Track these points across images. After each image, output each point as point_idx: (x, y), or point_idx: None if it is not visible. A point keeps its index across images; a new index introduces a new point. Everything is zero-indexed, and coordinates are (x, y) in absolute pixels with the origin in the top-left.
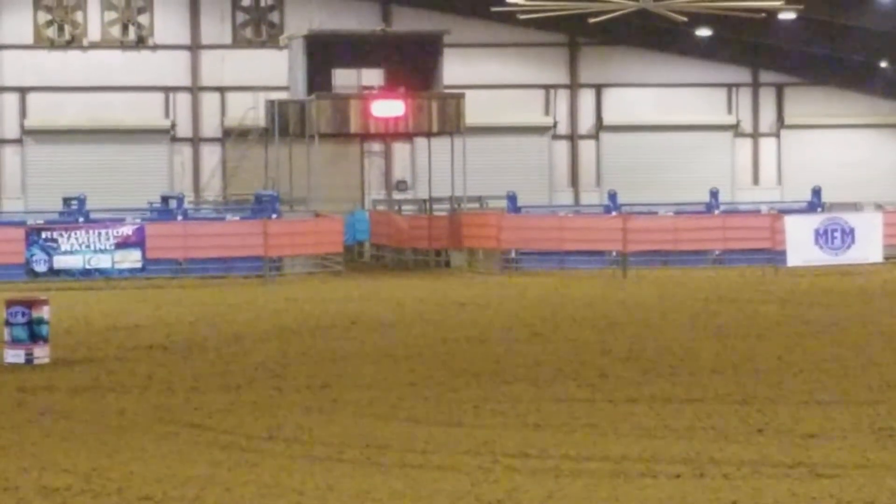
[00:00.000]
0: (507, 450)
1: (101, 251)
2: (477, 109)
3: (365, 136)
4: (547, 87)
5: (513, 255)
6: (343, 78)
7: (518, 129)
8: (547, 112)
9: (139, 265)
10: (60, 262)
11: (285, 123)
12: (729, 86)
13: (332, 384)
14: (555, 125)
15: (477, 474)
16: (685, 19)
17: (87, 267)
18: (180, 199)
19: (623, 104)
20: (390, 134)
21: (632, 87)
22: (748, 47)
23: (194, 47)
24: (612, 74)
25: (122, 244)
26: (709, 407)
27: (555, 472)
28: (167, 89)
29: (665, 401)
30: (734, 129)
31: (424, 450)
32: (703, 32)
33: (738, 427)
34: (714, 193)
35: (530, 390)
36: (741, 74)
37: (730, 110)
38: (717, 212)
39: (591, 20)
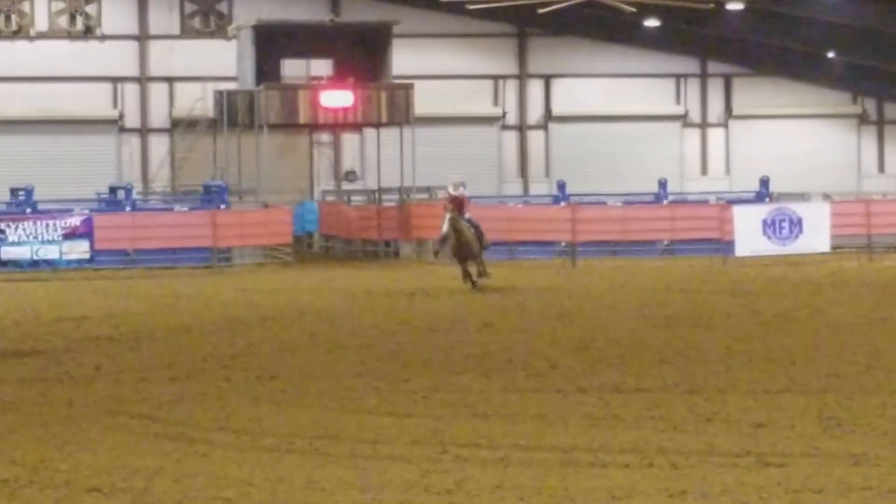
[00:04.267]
0: (456, 440)
1: (49, 242)
2: (426, 100)
3: (314, 127)
4: (496, 78)
5: None
6: (292, 68)
7: (467, 119)
8: (496, 102)
9: (87, 256)
10: (8, 252)
11: (234, 114)
12: (677, 76)
13: (281, 375)
14: (504, 115)
15: (426, 464)
16: (634, 10)
17: (35, 258)
18: (128, 190)
19: (572, 94)
20: (339, 124)
21: (581, 77)
22: (696, 38)
23: (142, 37)
24: (561, 65)
25: (70, 235)
26: (657, 396)
27: (504, 461)
28: (115, 79)
29: (614, 391)
30: (682, 119)
31: (374, 440)
32: (652, 23)
33: (686, 417)
34: (663, 184)
35: (480, 380)
36: (690, 65)
37: (678, 101)
38: (665, 202)
39: (540, 10)
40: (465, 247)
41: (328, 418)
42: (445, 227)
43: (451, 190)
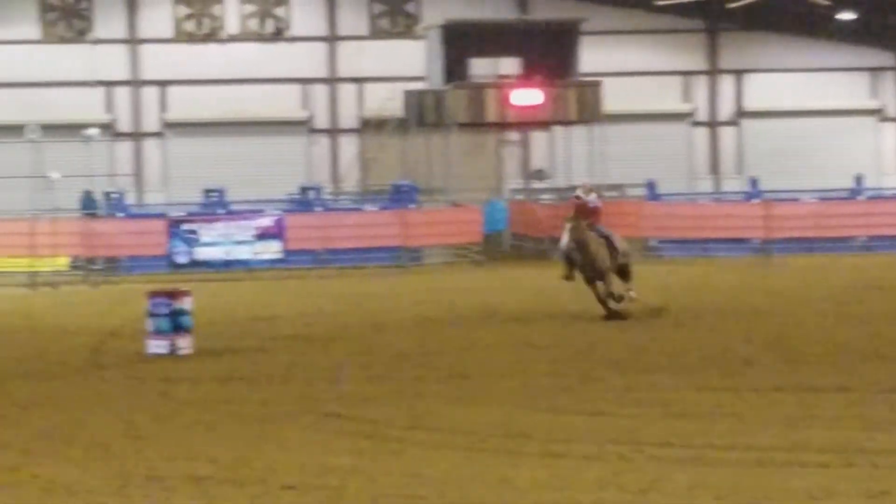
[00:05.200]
0: (650, 439)
1: (242, 242)
2: (615, 97)
3: (502, 126)
4: (686, 74)
5: (653, 243)
6: (480, 67)
7: (656, 116)
8: (686, 99)
9: (279, 256)
10: (201, 253)
11: (422, 113)
12: (873, 70)
13: (472, 374)
14: (694, 112)
15: (620, 463)
16: (828, 3)
17: (228, 258)
18: (319, 190)
19: (764, 90)
20: (528, 123)
21: (773, 72)
22: (893, 31)
23: (331, 39)
24: (753, 60)
25: (262, 235)
26: (856, 395)
27: (699, 461)
28: (305, 81)
29: (811, 390)
30: (878, 113)
31: (567, 439)
32: (847, 16)
33: (887, 416)
34: (858, 179)
35: (672, 379)
36: (885, 58)
37: (874, 95)
38: (861, 197)
39: (731, 5)
40: (590, 264)
41: (520, 417)
42: (565, 240)
43: (580, 194)
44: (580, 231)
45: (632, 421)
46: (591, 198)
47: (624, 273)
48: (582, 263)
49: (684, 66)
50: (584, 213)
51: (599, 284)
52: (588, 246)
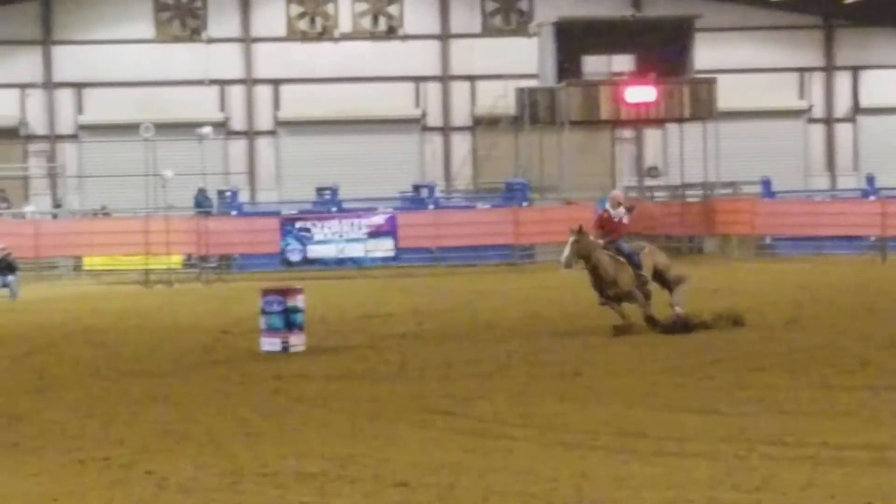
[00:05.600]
0: (763, 437)
1: (354, 240)
2: (729, 94)
3: (615, 123)
4: (801, 70)
5: (767, 240)
6: (592, 65)
7: (771, 112)
8: (801, 95)
9: (391, 254)
10: (314, 251)
11: (535, 111)
12: None
13: (584, 371)
14: (809, 108)
15: (733, 462)
16: None
17: (340, 256)
18: (431, 188)
19: (880, 86)
20: (641, 120)
21: (890, 68)
22: None
23: (444, 37)
24: (870, 56)
25: (375, 233)
26: None
27: (813, 459)
28: (417, 79)
29: None
30: None
31: (679, 437)
32: None
33: None
34: None
35: (786, 377)
36: None
37: None
38: None
39: (848, 0)
40: (610, 285)
41: (632, 414)
42: (566, 254)
43: (608, 207)
44: (584, 247)
45: (745, 419)
46: (619, 211)
47: (669, 286)
48: (598, 284)
49: (800, 63)
50: (608, 228)
51: (626, 305)
52: (598, 267)
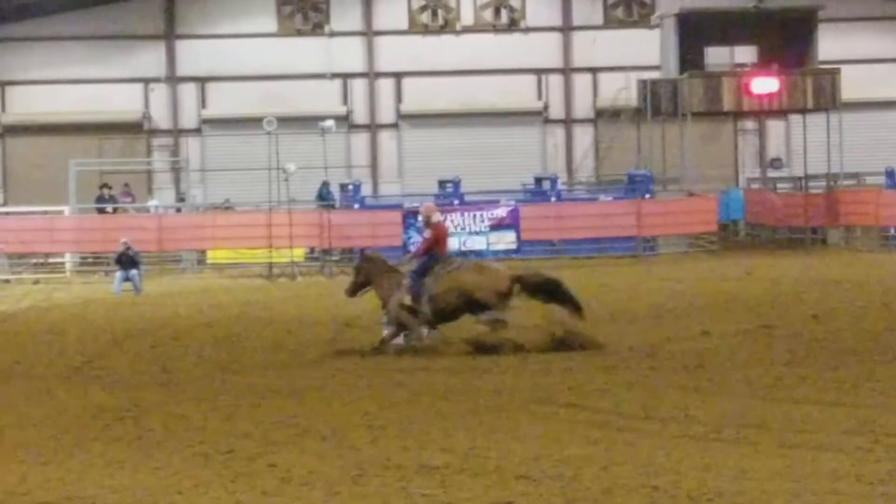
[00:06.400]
0: (888, 429)
1: (477, 233)
2: (852, 84)
3: (738, 114)
4: None
5: (892, 232)
6: (715, 56)
7: (895, 103)
8: None
9: (514, 246)
10: None
11: (657, 103)
12: None
13: (707, 364)
14: None
15: (858, 454)
16: None
17: (463, 248)
18: (554, 181)
19: None
20: (764, 111)
21: None
22: None
23: (565, 29)
24: None
25: (497, 226)
26: None
27: None
28: (539, 71)
29: None
30: None
31: (803, 429)
32: None
33: None
34: None
35: None
36: None
37: None
38: None
39: None
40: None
41: (755, 407)
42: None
43: (429, 216)
44: (367, 274)
45: (870, 411)
46: (437, 219)
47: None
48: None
49: None
50: (441, 243)
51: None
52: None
